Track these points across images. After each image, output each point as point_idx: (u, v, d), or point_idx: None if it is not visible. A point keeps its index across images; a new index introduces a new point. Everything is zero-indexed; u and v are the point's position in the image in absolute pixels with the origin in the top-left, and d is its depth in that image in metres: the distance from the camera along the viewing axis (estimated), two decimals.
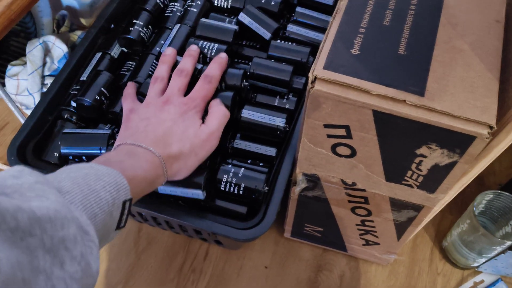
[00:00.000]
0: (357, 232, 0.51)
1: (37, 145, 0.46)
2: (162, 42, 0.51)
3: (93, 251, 0.29)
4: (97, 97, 0.46)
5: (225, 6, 0.54)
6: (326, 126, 0.37)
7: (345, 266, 0.57)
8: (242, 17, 0.50)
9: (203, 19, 0.51)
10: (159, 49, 0.51)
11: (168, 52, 0.48)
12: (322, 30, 0.52)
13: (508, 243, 0.47)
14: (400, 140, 0.36)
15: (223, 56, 0.47)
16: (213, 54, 0.47)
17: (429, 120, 0.33)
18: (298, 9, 0.54)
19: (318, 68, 0.34)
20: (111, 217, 0.33)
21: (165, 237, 0.58)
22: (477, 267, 0.54)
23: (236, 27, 0.50)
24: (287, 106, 0.48)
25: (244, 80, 0.46)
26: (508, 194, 0.49)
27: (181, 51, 0.49)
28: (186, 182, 0.41)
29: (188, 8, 0.53)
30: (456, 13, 0.38)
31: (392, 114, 0.33)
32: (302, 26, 0.52)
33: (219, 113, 0.43)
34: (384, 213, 0.46)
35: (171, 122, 0.42)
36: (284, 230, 0.57)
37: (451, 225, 0.59)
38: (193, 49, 0.48)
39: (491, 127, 0.32)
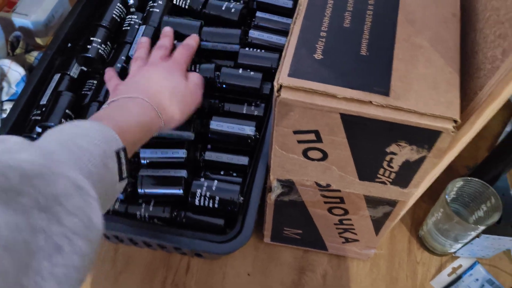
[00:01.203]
0: (336, 231, 0.52)
1: None
2: (123, 57, 0.50)
3: (91, 205, 0.29)
4: (62, 120, 0.44)
5: (183, 6, 0.54)
6: (295, 132, 0.37)
7: (327, 265, 0.57)
8: (204, 44, 0.50)
9: (166, 17, 0.51)
10: (120, 65, 0.50)
11: (144, 40, 0.51)
12: (284, 33, 0.52)
13: (481, 227, 0.48)
14: (369, 140, 0.36)
15: (195, 35, 0.51)
16: None
17: (396, 119, 0.33)
18: (258, 14, 0.53)
19: (283, 76, 0.34)
20: (108, 170, 0.32)
21: (143, 254, 0.57)
22: (454, 252, 0.56)
23: (201, 21, 0.51)
24: (255, 113, 0.48)
25: (216, 74, 0.48)
26: (477, 180, 0.51)
27: (148, 53, 0.49)
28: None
29: (151, 10, 0.52)
30: (413, 10, 0.38)
31: (360, 116, 0.34)
32: (264, 31, 0.52)
33: (197, 74, 0.47)
34: (361, 210, 0.46)
35: (161, 78, 0.44)
36: (264, 236, 0.57)
37: (425, 214, 0.60)
38: (167, 30, 0.51)
39: (455, 121, 0.33)
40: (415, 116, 0.33)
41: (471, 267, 0.56)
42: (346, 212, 0.47)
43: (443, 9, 0.39)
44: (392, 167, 0.39)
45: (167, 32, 0.51)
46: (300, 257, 0.58)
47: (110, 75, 0.48)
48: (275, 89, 0.34)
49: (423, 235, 0.57)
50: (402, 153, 0.36)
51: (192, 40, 0.50)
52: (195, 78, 0.47)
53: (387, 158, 0.37)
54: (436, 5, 0.39)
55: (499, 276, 0.56)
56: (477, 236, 0.51)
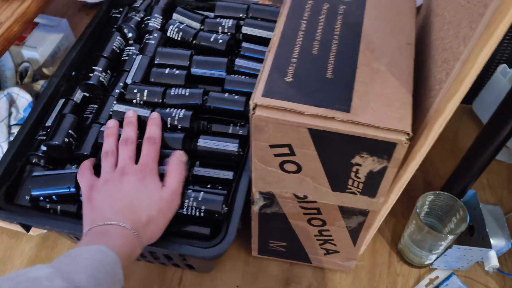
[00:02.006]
0: (317, 242, 0.56)
1: (8, 191, 0.48)
2: (121, 84, 0.56)
3: None
4: (65, 139, 0.49)
5: (176, 38, 0.59)
6: (271, 146, 0.42)
7: (312, 277, 0.61)
8: (194, 71, 0.56)
9: (160, 48, 0.56)
10: (118, 91, 0.55)
11: (111, 125, 0.50)
12: None
13: (451, 237, 0.52)
14: (336, 153, 0.41)
15: (155, 115, 0.50)
16: (180, 117, 0.51)
17: (356, 132, 0.38)
18: (244, 44, 0.59)
19: (257, 96, 0.39)
20: None
21: (138, 269, 0.60)
22: (431, 264, 0.59)
23: (191, 50, 0.56)
24: (240, 132, 0.52)
25: (204, 99, 0.51)
26: (446, 193, 0.55)
27: (143, 80, 0.55)
28: None
29: (147, 41, 0.58)
30: (373, 40, 0.44)
31: (325, 130, 0.38)
32: (248, 60, 0.57)
33: (176, 173, 0.47)
34: (337, 221, 0.50)
35: (134, 191, 0.44)
36: (252, 249, 0.60)
37: (403, 229, 0.64)
38: (129, 116, 0.51)
39: (408, 134, 0.37)
40: (371, 130, 0.37)
41: (447, 278, 0.59)
42: (324, 223, 0.51)
43: (399, 39, 0.44)
44: (359, 178, 0.43)
45: (130, 119, 0.50)
46: (287, 269, 0.61)
47: (84, 167, 0.48)
48: (251, 107, 0.39)
49: (401, 248, 0.60)
50: (366, 163, 0.41)
51: (156, 129, 0.49)
52: (171, 183, 0.46)
53: (354, 169, 0.42)
54: (394, 35, 0.44)
55: (474, 287, 0.60)
56: (449, 247, 0.54)
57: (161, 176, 0.46)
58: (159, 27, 0.61)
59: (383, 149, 0.39)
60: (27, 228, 0.48)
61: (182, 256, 0.44)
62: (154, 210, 0.44)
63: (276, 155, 0.43)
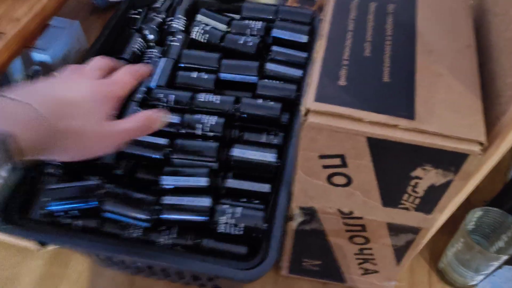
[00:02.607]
0: (356, 261, 0.51)
1: (23, 204, 0.44)
2: (143, 88, 0.51)
3: None
4: None
5: (202, 40, 0.55)
6: (321, 157, 0.38)
7: None
8: (224, 75, 0.52)
9: (186, 50, 0.52)
10: (140, 96, 0.51)
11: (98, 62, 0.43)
12: (299, 66, 0.54)
13: (504, 257, 0.48)
14: (395, 164, 0.37)
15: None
16: (212, 124, 0.47)
17: (422, 142, 0.34)
18: (274, 48, 0.55)
19: (309, 101, 0.35)
20: None
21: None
22: (475, 285, 0.55)
23: (220, 53, 0.52)
24: (275, 141, 0.48)
25: (235, 107, 0.47)
26: (496, 209, 0.51)
27: (168, 85, 0.51)
28: None
29: (171, 43, 0.54)
30: (429, 41, 0.40)
31: (386, 139, 0.34)
32: (279, 64, 0.54)
33: (143, 116, 0.39)
34: (382, 239, 0.46)
35: (76, 93, 0.36)
36: (281, 268, 0.56)
37: (444, 246, 0.60)
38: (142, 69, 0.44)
39: (481, 144, 0.33)
40: (440, 139, 0.33)
41: None
42: (367, 240, 0.47)
43: (458, 41, 0.40)
44: (417, 192, 0.39)
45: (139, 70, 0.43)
46: None
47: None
48: (302, 113, 0.35)
49: (443, 267, 0.56)
50: (428, 177, 0.37)
51: (146, 68, 0.44)
52: (126, 125, 0.38)
53: (412, 182, 0.38)
54: (451, 37, 0.40)
55: None
56: (500, 267, 0.50)
57: None
58: (183, 29, 0.57)
59: (451, 160, 0.35)
60: (44, 244, 0.43)
61: (215, 278, 0.40)
62: (81, 127, 0.35)
63: (325, 166, 0.38)
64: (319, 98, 0.35)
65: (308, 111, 0.35)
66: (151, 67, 0.45)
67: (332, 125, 0.34)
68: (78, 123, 0.35)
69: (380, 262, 0.50)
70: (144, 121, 0.39)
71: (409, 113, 0.34)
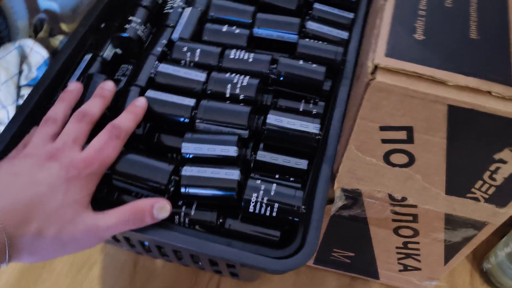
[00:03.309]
0: (396, 256, 0.44)
1: None
2: (164, 41, 0.44)
3: None
4: None
5: None
6: (382, 128, 0.31)
7: None
8: (258, 31, 0.44)
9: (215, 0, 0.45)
10: (160, 49, 0.44)
11: (72, 88, 0.38)
12: (345, 27, 0.46)
13: None
14: (476, 143, 0.29)
15: (141, 103, 0.37)
16: (244, 84, 0.39)
17: None
18: (316, 5, 0.48)
19: (379, 56, 0.28)
20: None
21: (167, 271, 0.49)
22: None
23: (254, 6, 0.45)
24: (314, 111, 0.41)
25: (271, 69, 0.40)
26: None
27: (192, 38, 0.44)
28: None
29: None
30: None
31: (474, 109, 0.27)
32: (322, 23, 0.46)
33: (130, 210, 0.32)
34: (435, 232, 0.39)
35: (46, 188, 0.31)
36: None
37: (488, 245, 0.53)
38: (106, 87, 0.38)
39: None
40: None
41: None
42: (416, 233, 0.40)
43: None
44: (494, 179, 0.32)
45: (105, 90, 0.37)
46: (347, 284, 0.50)
47: (45, 121, 0.36)
48: (369, 71, 0.28)
49: (490, 268, 0.49)
50: None
51: (131, 120, 0.35)
52: (109, 220, 0.32)
53: (492, 167, 0.31)
54: None
55: None
56: None
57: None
58: None
59: None
60: None
61: (244, 266, 0.33)
62: (53, 229, 0.30)
63: (385, 141, 0.31)
64: (392, 52, 0.28)
65: (376, 68, 0.28)
66: (136, 120, 0.36)
67: (406, 87, 0.27)
68: (49, 225, 0.30)
69: (425, 259, 0.44)
70: (132, 215, 0.32)
71: (505, 78, 0.27)
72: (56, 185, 0.31)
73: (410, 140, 0.31)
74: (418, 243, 0.41)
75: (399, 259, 0.45)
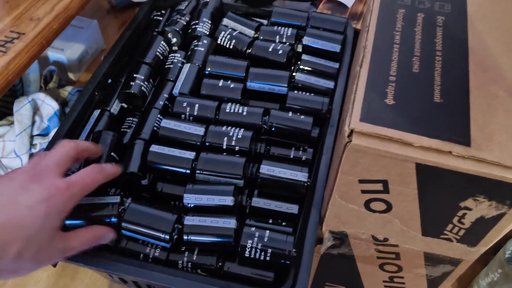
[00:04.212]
0: None
1: None
2: (165, 95, 0.49)
3: None
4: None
5: (228, 46, 0.52)
6: (361, 181, 0.34)
7: None
8: (251, 84, 0.48)
9: (211, 56, 0.49)
10: (162, 103, 0.48)
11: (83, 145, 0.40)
12: (332, 77, 0.51)
13: None
14: (443, 193, 0.33)
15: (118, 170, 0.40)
16: (239, 137, 0.43)
17: (479, 171, 0.30)
18: (304, 57, 0.52)
19: (354, 121, 0.32)
20: None
21: None
22: None
23: (247, 61, 0.49)
24: (303, 158, 0.45)
25: (263, 120, 0.44)
26: None
27: (191, 92, 0.48)
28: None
29: (195, 48, 0.51)
30: (484, 58, 0.37)
31: (438, 166, 0.31)
32: (310, 74, 0.50)
33: (90, 235, 0.36)
34: (417, 268, 0.43)
35: (27, 211, 0.32)
36: None
37: (472, 273, 0.56)
38: (113, 171, 0.40)
39: None
40: (500, 169, 0.30)
41: None
42: (399, 269, 0.44)
43: None
44: (463, 223, 0.35)
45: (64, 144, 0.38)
46: None
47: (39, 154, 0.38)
48: (346, 134, 0.32)
49: None
50: (478, 208, 0.33)
51: (112, 167, 0.39)
52: (73, 244, 0.35)
53: (460, 213, 0.35)
54: (508, 56, 0.37)
55: None
56: None
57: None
58: (207, 33, 0.54)
59: (509, 193, 0.31)
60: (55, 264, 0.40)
61: None
62: (31, 251, 0.33)
63: (365, 191, 0.35)
64: (366, 117, 0.32)
65: (352, 132, 0.32)
66: (120, 168, 0.40)
67: (378, 148, 0.31)
68: (27, 248, 0.32)
69: None
70: (91, 239, 0.37)
71: (465, 139, 0.31)
72: (36, 207, 0.33)
73: (386, 190, 0.35)
74: (402, 277, 0.45)
75: None
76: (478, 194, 0.32)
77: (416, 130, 0.31)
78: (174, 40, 0.54)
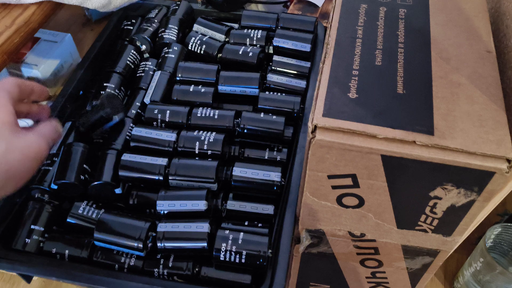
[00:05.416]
0: (368, 285, 0.48)
1: (7, 233, 0.40)
2: (138, 103, 0.48)
3: None
4: (81, 176, 0.41)
5: (199, 51, 0.52)
6: (330, 177, 0.34)
7: None
8: (222, 88, 0.48)
9: (182, 62, 0.49)
10: (135, 111, 0.48)
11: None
12: (303, 77, 0.51)
13: None
14: (412, 184, 0.33)
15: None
16: (211, 141, 0.43)
17: (443, 159, 0.30)
18: (276, 57, 0.52)
19: (317, 116, 0.32)
20: None
21: None
22: None
23: (217, 65, 0.49)
24: (278, 158, 0.45)
25: (235, 122, 0.44)
26: None
27: (163, 99, 0.48)
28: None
29: (166, 55, 0.51)
30: (446, 48, 0.37)
31: (403, 157, 0.31)
32: (281, 75, 0.50)
33: (34, 138, 0.35)
34: (396, 262, 0.43)
35: None
36: None
37: (457, 264, 0.57)
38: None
39: (509, 161, 0.30)
40: (464, 156, 0.30)
41: None
42: (380, 264, 0.44)
43: (477, 46, 0.37)
44: (435, 213, 0.35)
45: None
46: None
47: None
48: (309, 130, 0.32)
49: (459, 287, 0.52)
50: (448, 197, 0.33)
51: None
52: (30, 141, 0.34)
53: (431, 203, 0.34)
54: (470, 43, 0.37)
55: None
56: None
57: None
58: (175, 40, 0.54)
59: (475, 179, 0.31)
60: (28, 278, 0.39)
61: None
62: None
63: (335, 187, 0.35)
64: (328, 112, 0.32)
65: (316, 128, 0.32)
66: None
67: (343, 142, 0.31)
68: None
69: (394, 286, 0.47)
70: (52, 129, 0.37)
71: (428, 128, 0.31)
72: None
73: (356, 185, 0.34)
74: (384, 272, 0.45)
75: (371, 287, 0.48)
76: (445, 182, 0.32)
77: (380, 122, 0.31)
78: (143, 47, 0.54)
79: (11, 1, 0.46)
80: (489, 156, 0.30)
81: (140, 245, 0.37)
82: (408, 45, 0.37)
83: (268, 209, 0.41)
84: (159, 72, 0.50)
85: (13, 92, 0.36)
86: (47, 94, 0.42)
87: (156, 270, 0.38)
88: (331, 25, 0.39)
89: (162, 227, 0.38)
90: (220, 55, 0.52)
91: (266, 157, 0.45)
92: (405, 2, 0.41)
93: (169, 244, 0.37)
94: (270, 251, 0.38)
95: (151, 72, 0.51)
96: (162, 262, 0.38)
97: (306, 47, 0.52)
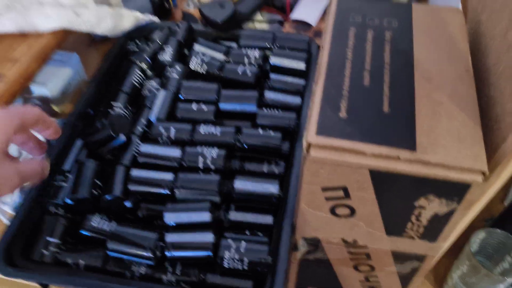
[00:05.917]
0: None
1: (26, 245, 0.43)
2: (143, 121, 0.52)
3: None
4: (93, 191, 0.44)
5: (200, 71, 0.56)
6: (324, 189, 0.37)
7: None
8: (223, 106, 0.52)
9: (184, 81, 0.52)
10: (140, 129, 0.51)
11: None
12: (299, 93, 0.54)
13: (509, 280, 0.47)
14: (398, 195, 0.36)
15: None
16: (214, 157, 0.46)
17: (424, 173, 0.34)
18: (273, 76, 0.55)
19: (311, 135, 0.35)
20: None
21: None
22: None
23: (218, 84, 0.53)
24: (276, 171, 0.48)
25: (236, 138, 0.47)
26: (500, 231, 0.50)
27: (168, 116, 0.51)
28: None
29: (169, 75, 0.54)
30: (428, 68, 0.40)
31: (388, 171, 0.34)
32: (278, 92, 0.54)
33: (38, 165, 0.40)
34: (387, 266, 0.46)
35: None
36: None
37: (446, 268, 0.59)
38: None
39: (484, 173, 0.33)
40: (443, 170, 0.33)
41: None
42: (372, 268, 0.47)
43: (456, 66, 0.40)
44: (420, 221, 0.39)
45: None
46: None
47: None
48: (304, 147, 0.35)
49: None
50: (431, 206, 0.37)
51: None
52: (5, 173, 0.36)
53: (416, 212, 0.38)
54: (450, 63, 0.41)
55: None
56: None
57: None
58: (170, 60, 0.57)
59: (454, 190, 0.35)
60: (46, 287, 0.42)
61: None
62: None
63: (328, 198, 0.38)
64: (321, 131, 0.35)
65: (310, 146, 0.35)
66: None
67: (334, 159, 0.34)
68: None
69: None
70: (39, 168, 0.40)
71: (411, 144, 0.34)
72: None
73: (347, 196, 0.38)
74: (376, 276, 0.48)
75: None
76: (428, 193, 0.35)
77: (367, 140, 0.35)
78: (145, 67, 0.58)
79: (29, 31, 0.49)
80: (466, 169, 0.33)
81: (151, 254, 0.40)
82: (393, 66, 0.40)
83: (267, 219, 0.45)
84: (164, 91, 0.53)
85: (14, 121, 0.38)
86: (56, 130, 0.43)
87: (164, 277, 0.41)
88: (323, 47, 0.42)
89: (170, 237, 0.41)
90: (221, 74, 0.55)
91: (265, 170, 0.48)
92: (391, 25, 0.44)
93: (177, 254, 0.40)
94: (270, 258, 0.41)
95: (155, 91, 0.55)
96: (170, 270, 0.41)
97: (301, 65, 0.55)
